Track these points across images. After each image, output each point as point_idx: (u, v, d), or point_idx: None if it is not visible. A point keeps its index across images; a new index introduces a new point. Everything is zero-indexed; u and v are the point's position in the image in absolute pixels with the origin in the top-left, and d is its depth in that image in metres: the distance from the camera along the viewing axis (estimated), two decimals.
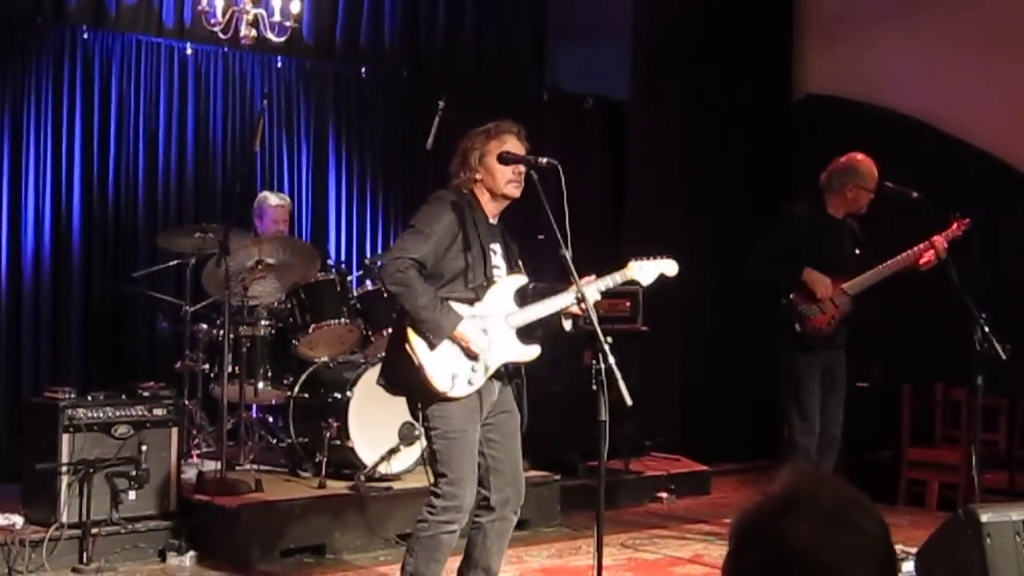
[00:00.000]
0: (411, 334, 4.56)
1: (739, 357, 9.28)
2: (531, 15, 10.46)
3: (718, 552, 6.68)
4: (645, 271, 4.92)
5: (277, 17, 8.02)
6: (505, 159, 4.65)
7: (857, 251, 6.64)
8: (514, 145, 4.71)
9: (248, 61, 8.69)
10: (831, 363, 6.65)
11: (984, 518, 3.49)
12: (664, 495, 8.19)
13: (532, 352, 4.80)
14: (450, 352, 4.56)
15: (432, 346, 4.53)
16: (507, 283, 4.75)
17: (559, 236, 4.45)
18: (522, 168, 4.67)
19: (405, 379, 4.64)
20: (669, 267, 4.98)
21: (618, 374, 4.19)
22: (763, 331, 6.86)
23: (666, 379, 9.27)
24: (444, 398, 4.56)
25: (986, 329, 5.82)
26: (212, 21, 7.87)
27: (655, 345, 8.58)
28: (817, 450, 6.57)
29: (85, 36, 7.94)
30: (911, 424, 8.31)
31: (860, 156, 6.62)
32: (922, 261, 6.37)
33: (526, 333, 4.79)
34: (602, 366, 4.22)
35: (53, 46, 7.82)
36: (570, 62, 10.79)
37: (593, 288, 4.71)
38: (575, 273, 4.52)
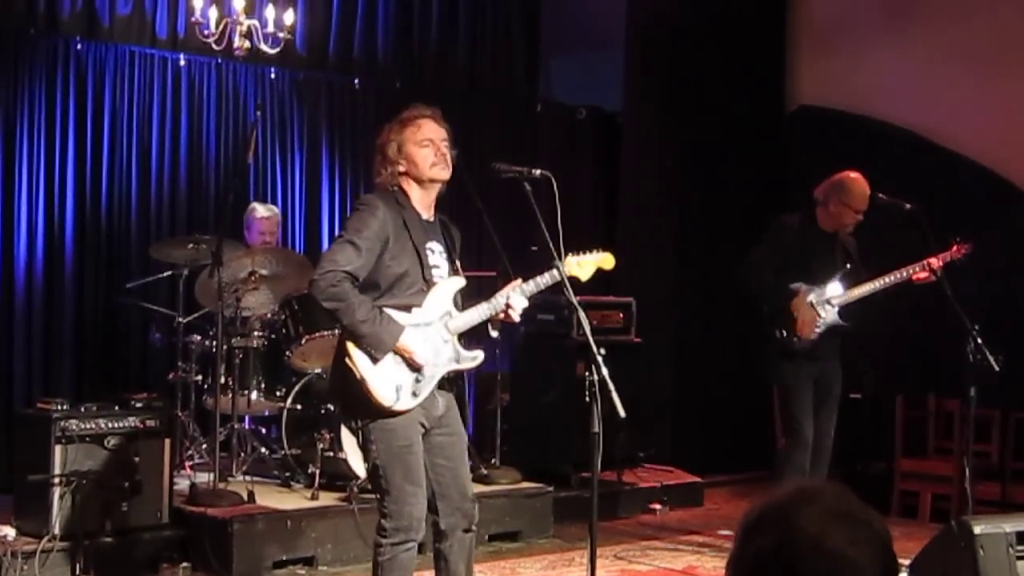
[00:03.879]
0: (351, 348, 4.39)
1: (731, 369, 9.29)
2: (524, 27, 10.48)
3: (711, 563, 6.68)
4: (583, 267, 4.68)
5: (270, 28, 8.03)
6: (498, 170, 4.61)
7: (848, 265, 6.64)
8: (431, 129, 4.55)
9: (241, 72, 8.69)
10: (824, 375, 6.65)
11: (977, 530, 3.49)
12: (657, 506, 8.19)
13: (475, 359, 4.63)
14: (393, 364, 4.41)
15: (375, 360, 4.38)
16: (445, 287, 4.57)
17: (552, 248, 4.43)
18: (444, 149, 4.53)
19: (347, 394, 4.47)
20: (605, 261, 4.76)
21: (611, 386, 4.16)
22: (753, 342, 6.88)
23: (659, 391, 9.27)
24: (389, 412, 4.40)
25: (979, 340, 5.84)
26: (205, 32, 7.88)
27: (648, 357, 8.58)
28: (809, 461, 6.57)
29: (78, 47, 7.95)
30: (904, 435, 8.32)
31: (853, 175, 6.62)
32: (916, 278, 6.38)
33: (468, 338, 4.63)
34: (595, 378, 4.18)
35: (46, 57, 7.83)
36: (563, 73, 10.81)
37: (518, 292, 4.53)
38: (568, 285, 4.49)
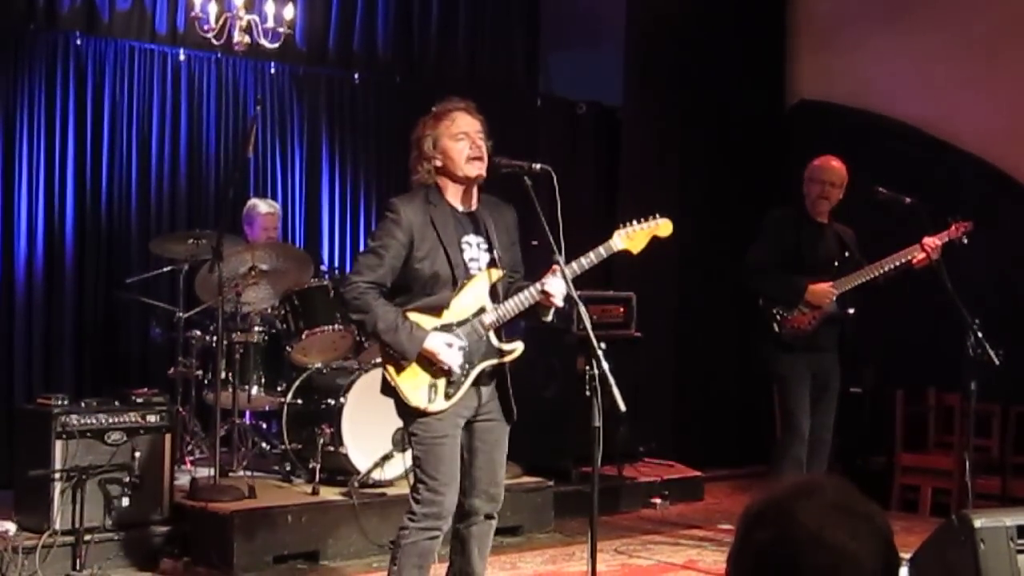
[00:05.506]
0: (384, 356, 4.57)
1: (732, 363, 9.29)
2: (524, 21, 10.47)
3: (711, 558, 6.69)
4: (634, 239, 4.71)
5: (270, 23, 8.02)
6: (499, 165, 4.60)
7: (846, 254, 6.64)
8: (466, 122, 4.56)
9: (241, 67, 8.69)
10: (821, 368, 6.63)
11: (977, 524, 3.49)
12: (657, 501, 8.19)
13: (512, 352, 4.66)
14: (422, 369, 4.49)
15: (400, 368, 4.49)
16: (480, 282, 4.59)
17: (553, 242, 4.42)
18: (480, 142, 4.54)
19: (393, 395, 4.61)
20: (662, 227, 4.76)
21: (611, 380, 4.16)
22: (751, 335, 6.89)
23: (659, 385, 9.27)
24: (425, 413, 4.50)
25: (979, 335, 5.84)
26: (205, 27, 7.88)
27: (648, 351, 8.58)
28: (807, 454, 6.56)
29: (78, 42, 7.94)
30: (904, 430, 8.32)
31: (824, 156, 6.67)
32: (916, 262, 6.36)
33: (507, 330, 4.67)
34: (596, 372, 4.18)
35: (46, 52, 7.82)
36: (563, 68, 10.80)
37: (559, 277, 4.48)
38: (569, 279, 4.47)
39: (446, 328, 4.52)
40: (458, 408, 4.55)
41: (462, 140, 4.54)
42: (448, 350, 4.48)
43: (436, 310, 4.52)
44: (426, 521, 4.51)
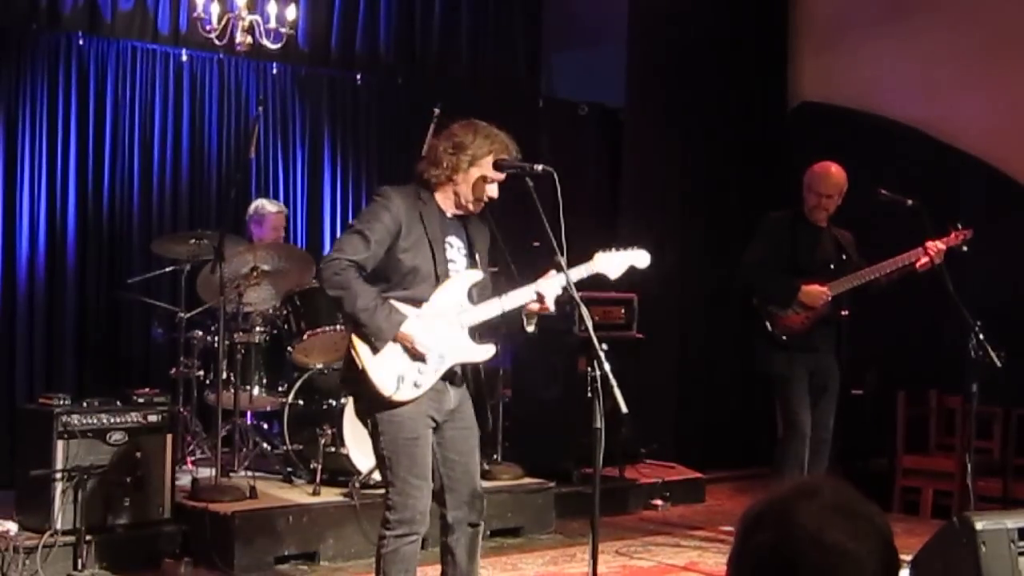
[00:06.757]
0: (355, 339, 4.42)
1: (733, 364, 9.27)
2: (527, 22, 10.47)
3: (713, 560, 6.68)
4: (613, 263, 4.72)
5: (272, 24, 8.04)
6: (499, 164, 4.59)
7: (843, 257, 6.64)
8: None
9: (243, 68, 8.70)
10: (819, 368, 6.64)
11: (979, 526, 3.49)
12: (659, 502, 8.19)
13: (486, 352, 4.62)
14: (395, 354, 4.40)
15: (375, 350, 4.38)
16: (459, 280, 4.56)
17: (554, 243, 4.41)
18: (494, 195, 4.55)
19: (353, 383, 4.51)
20: (640, 258, 4.78)
21: (613, 381, 4.15)
22: (750, 336, 6.90)
23: (661, 386, 9.27)
24: (391, 403, 4.40)
25: (980, 337, 5.83)
26: (207, 28, 7.89)
27: (650, 352, 8.57)
28: (808, 454, 6.56)
29: (80, 42, 7.95)
30: (905, 432, 8.32)
31: (823, 163, 6.67)
32: (919, 265, 6.35)
33: (482, 332, 4.64)
34: (597, 373, 4.16)
35: (48, 52, 7.83)
36: (565, 70, 10.81)
37: (554, 283, 4.50)
38: (571, 281, 4.47)
39: (422, 318, 4.48)
40: (427, 408, 4.47)
41: (491, 183, 4.55)
42: (425, 335, 4.42)
43: (416, 303, 4.48)
44: (401, 527, 4.43)
